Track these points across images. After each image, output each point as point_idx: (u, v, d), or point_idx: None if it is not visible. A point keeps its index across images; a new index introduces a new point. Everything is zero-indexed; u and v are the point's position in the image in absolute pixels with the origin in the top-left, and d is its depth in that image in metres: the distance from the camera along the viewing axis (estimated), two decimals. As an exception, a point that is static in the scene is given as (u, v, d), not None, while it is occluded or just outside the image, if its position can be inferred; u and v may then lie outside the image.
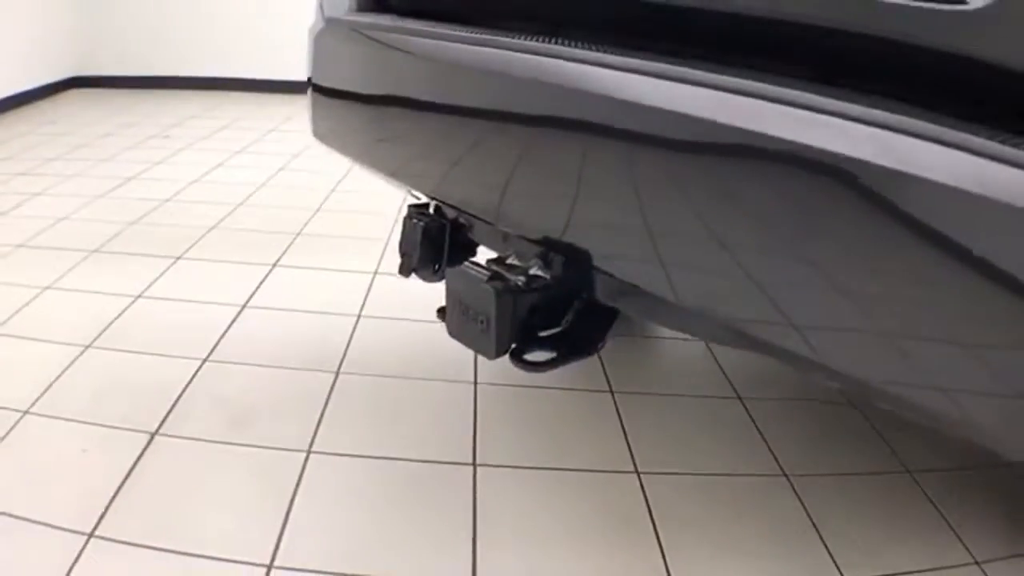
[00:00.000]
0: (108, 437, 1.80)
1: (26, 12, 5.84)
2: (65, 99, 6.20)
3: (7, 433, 1.79)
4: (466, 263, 1.16)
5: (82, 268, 2.78)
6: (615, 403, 2.04)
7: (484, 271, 1.10)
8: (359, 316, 2.47)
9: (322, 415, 1.94)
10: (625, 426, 1.95)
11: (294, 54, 6.47)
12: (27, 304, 2.46)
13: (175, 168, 4.23)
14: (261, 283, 2.69)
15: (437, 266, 1.42)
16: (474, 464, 1.79)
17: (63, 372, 2.05)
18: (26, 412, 1.87)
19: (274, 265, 2.87)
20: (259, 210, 3.54)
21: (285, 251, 3.01)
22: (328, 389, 2.05)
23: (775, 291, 0.81)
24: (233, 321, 2.40)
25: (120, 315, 2.40)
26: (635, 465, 1.80)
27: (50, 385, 1.99)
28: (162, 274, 2.73)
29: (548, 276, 1.07)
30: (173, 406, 1.93)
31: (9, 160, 4.30)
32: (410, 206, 1.49)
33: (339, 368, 2.15)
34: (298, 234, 3.22)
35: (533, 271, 1.08)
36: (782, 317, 0.80)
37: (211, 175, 4.12)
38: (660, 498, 1.69)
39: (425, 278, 1.47)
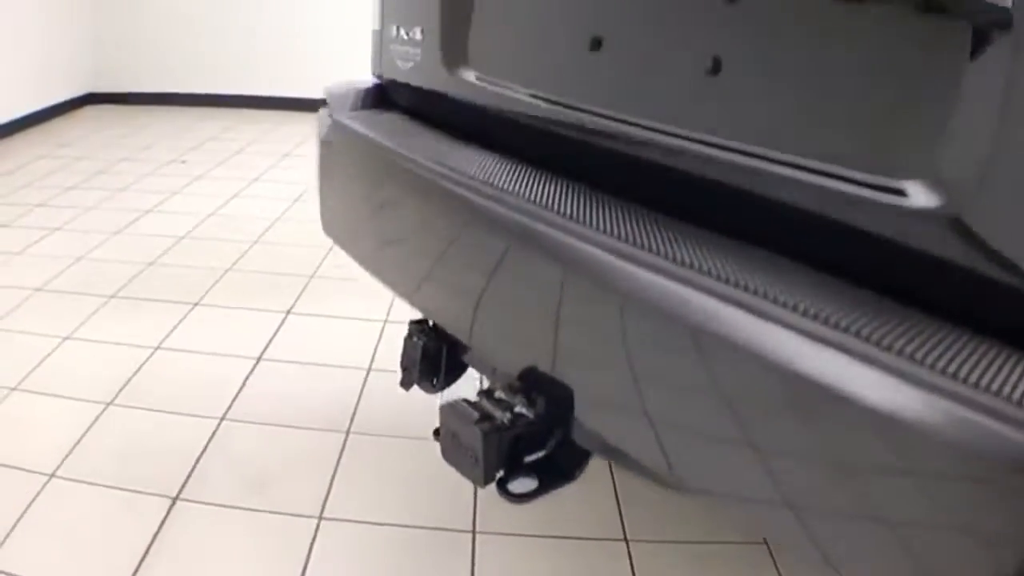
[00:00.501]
0: (132, 502, 1.92)
1: (41, 29, 6.00)
2: (82, 117, 6.35)
3: (35, 498, 1.91)
4: (457, 400, 1.26)
5: (101, 315, 2.90)
6: (610, 470, 2.15)
7: (473, 410, 1.21)
8: (369, 370, 2.59)
9: (333, 478, 2.06)
10: (618, 493, 2.06)
11: (307, 71, 6.68)
12: (48, 356, 2.59)
13: (191, 200, 4.36)
14: (275, 334, 2.81)
15: (435, 380, 1.54)
16: (473, 532, 1.90)
17: (86, 432, 2.17)
18: (52, 475, 1.99)
19: (288, 312, 2.99)
20: (273, 249, 3.67)
21: (298, 297, 3.13)
22: (339, 450, 2.17)
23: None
24: (248, 376, 2.52)
25: (139, 369, 2.52)
26: (624, 533, 1.92)
27: (74, 447, 2.11)
28: (179, 323, 2.86)
29: (531, 415, 1.18)
30: (192, 469, 2.05)
31: (28, 188, 4.45)
32: (411, 322, 1.59)
33: (349, 428, 2.27)
34: (311, 276, 3.34)
35: (518, 408, 1.18)
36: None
37: (227, 207, 4.25)
38: (646, 567, 1.81)
39: (426, 390, 1.59)
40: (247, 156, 5.37)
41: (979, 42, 0.77)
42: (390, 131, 1.61)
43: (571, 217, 1.10)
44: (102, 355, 2.62)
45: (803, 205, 0.95)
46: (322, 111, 1.81)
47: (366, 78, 1.91)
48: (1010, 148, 0.75)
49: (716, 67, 1.05)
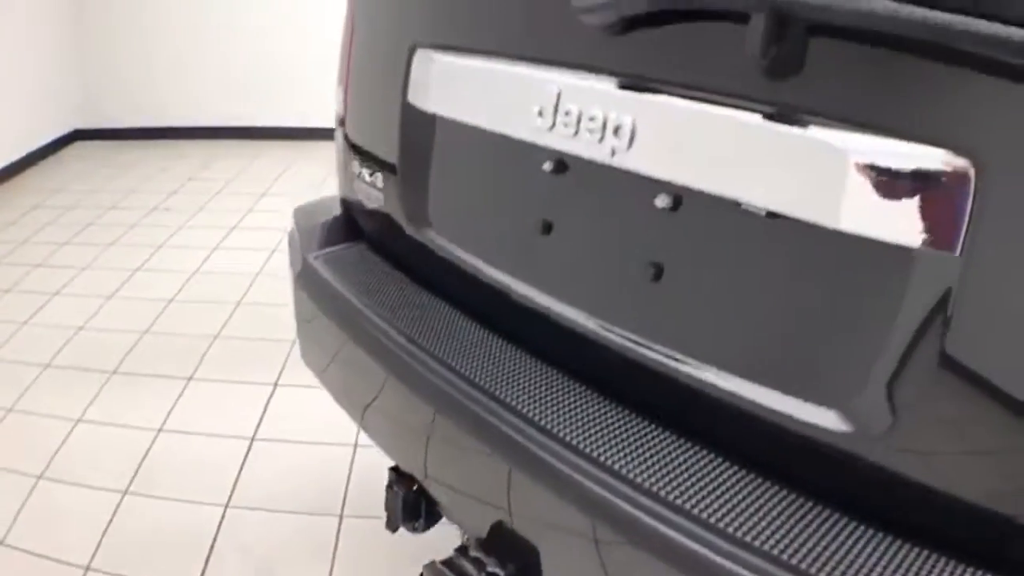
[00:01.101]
0: (158, 595, 2.36)
1: (25, 69, 6.30)
2: (69, 156, 6.73)
3: (74, 590, 2.35)
4: (436, 562, 1.46)
5: (105, 394, 3.30)
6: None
7: (449, 571, 1.41)
8: (355, 445, 3.00)
9: (332, 564, 2.46)
10: None
11: (283, 101, 7.06)
12: (65, 441, 3.00)
13: (175, 255, 4.74)
14: (264, 410, 3.23)
15: (417, 525, 1.76)
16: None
17: (110, 523, 2.60)
18: (87, 568, 2.42)
19: (275, 385, 3.41)
20: (256, 311, 4.08)
21: (283, 366, 3.55)
22: (335, 535, 2.56)
23: None
24: (245, 458, 2.94)
25: (147, 454, 2.94)
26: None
27: (102, 538, 2.53)
28: (176, 401, 3.27)
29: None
30: (207, 560, 2.47)
31: (25, 245, 4.84)
32: (390, 470, 1.81)
33: (342, 511, 2.67)
34: (292, 342, 3.74)
35: (491, 568, 1.34)
36: None
37: (210, 262, 4.64)
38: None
39: (411, 531, 1.80)
40: (226, 198, 5.75)
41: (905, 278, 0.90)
42: (355, 283, 1.71)
43: (512, 406, 1.24)
44: (112, 439, 3.02)
45: (722, 412, 1.07)
46: (293, 239, 1.94)
47: (333, 201, 2.05)
48: (921, 382, 0.88)
49: (656, 272, 1.19)
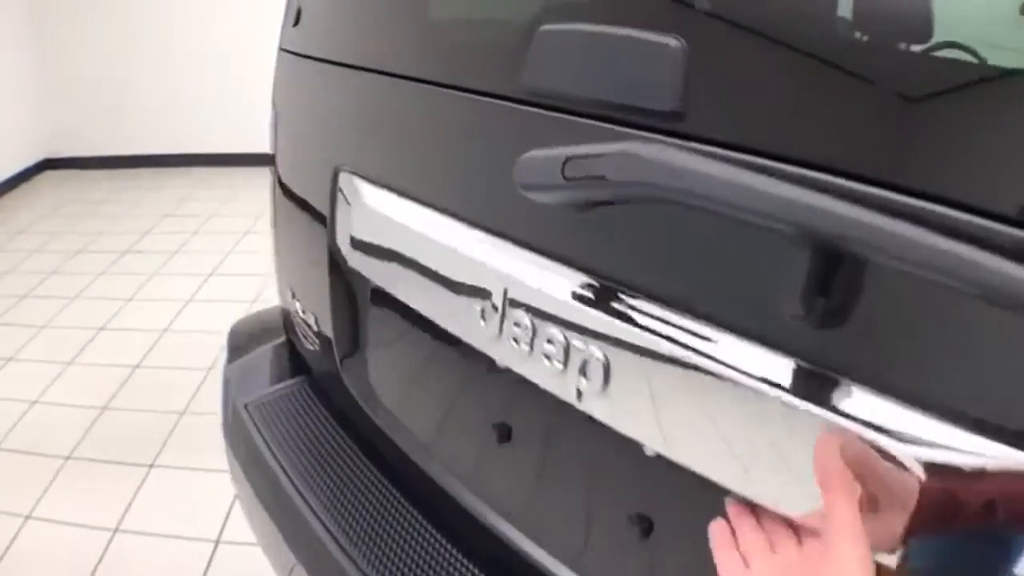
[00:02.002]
0: None
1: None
2: (37, 188, 6.53)
3: None
4: None
5: (59, 485, 3.08)
6: None
7: None
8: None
9: None
10: None
11: (264, 128, 6.85)
12: (13, 541, 2.78)
13: (145, 310, 4.53)
14: (231, 507, 3.01)
15: None
16: None
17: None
18: None
19: (243, 472, 3.19)
20: (229, 379, 3.86)
21: (254, 448, 3.33)
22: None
23: None
24: (209, 564, 2.73)
25: (102, 559, 2.72)
26: None
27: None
28: (136, 494, 3.05)
29: None
30: None
31: (-22, 299, 4.64)
32: None
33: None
34: (267, 418, 3.54)
35: None
36: None
37: (182, 318, 4.42)
38: None
39: None
40: (203, 239, 5.54)
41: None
42: (286, 456, 1.57)
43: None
44: (65, 540, 2.79)
45: None
46: (225, 375, 1.83)
47: (274, 315, 1.91)
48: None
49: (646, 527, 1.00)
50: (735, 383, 0.77)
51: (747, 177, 0.68)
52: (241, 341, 1.92)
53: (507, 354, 1.03)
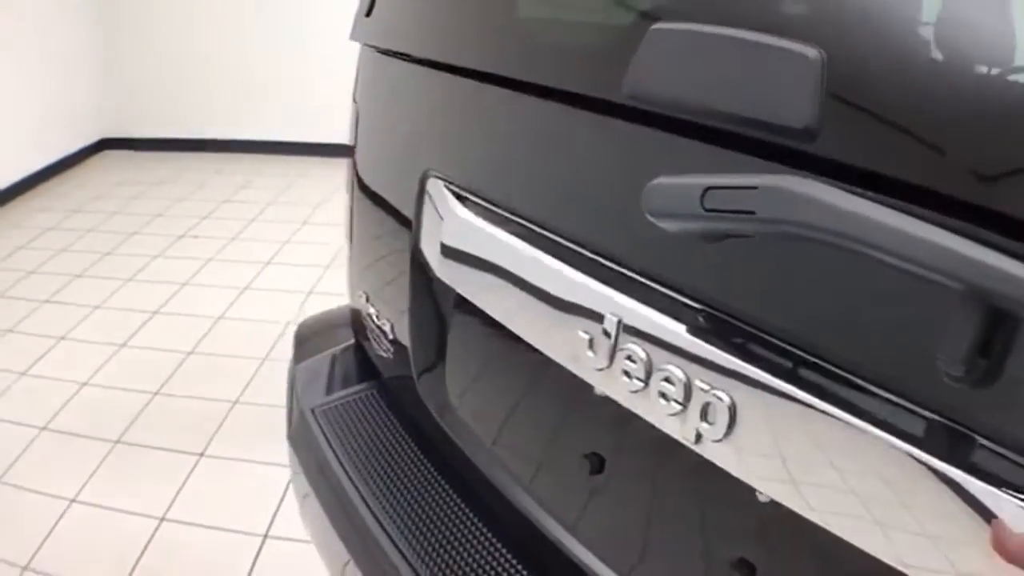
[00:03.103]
0: None
1: (51, 78, 6.25)
2: (94, 168, 6.61)
3: None
4: None
5: (106, 469, 3.09)
6: None
7: None
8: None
9: None
10: None
11: (327, 114, 6.89)
12: (56, 525, 2.79)
13: (199, 295, 4.55)
14: (281, 500, 3.00)
15: None
16: None
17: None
18: None
19: (295, 466, 3.17)
20: (282, 369, 3.85)
21: (307, 442, 3.32)
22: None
23: None
24: (255, 559, 2.71)
25: (147, 547, 2.71)
26: None
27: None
28: (184, 483, 3.05)
29: None
30: None
31: (36, 275, 4.70)
32: None
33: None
34: (321, 412, 3.53)
35: None
36: None
37: (236, 306, 4.44)
38: None
39: None
40: (262, 226, 5.56)
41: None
42: (355, 465, 1.55)
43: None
44: (109, 526, 2.80)
45: None
46: (292, 377, 1.81)
47: (343, 315, 1.89)
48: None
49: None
50: (871, 437, 0.72)
51: (913, 226, 0.62)
52: (308, 341, 1.90)
53: (616, 387, 0.97)
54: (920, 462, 0.67)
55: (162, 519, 2.86)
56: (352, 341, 1.85)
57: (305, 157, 6.97)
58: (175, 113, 7.09)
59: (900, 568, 0.70)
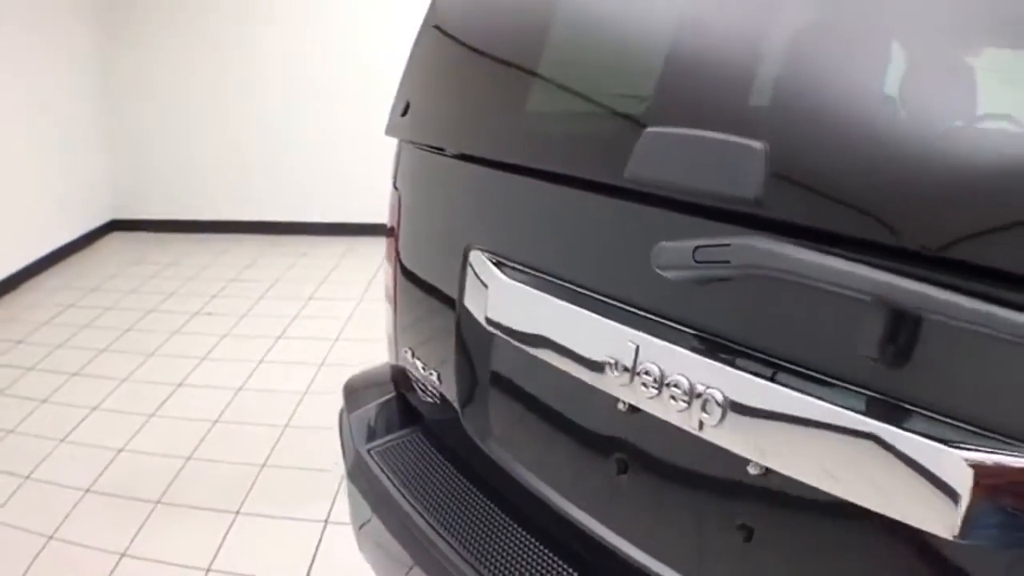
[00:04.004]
0: None
1: (61, 161, 6.60)
2: (106, 249, 6.96)
3: None
4: None
5: (151, 525, 3.36)
6: None
7: None
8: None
9: None
10: None
11: (327, 196, 7.30)
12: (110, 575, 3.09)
13: (219, 369, 4.86)
14: (316, 552, 3.29)
15: None
16: None
17: None
18: None
19: (325, 522, 3.47)
20: (304, 435, 4.16)
21: (334, 500, 3.61)
22: None
23: None
24: (295, 606, 3.00)
25: (195, 600, 3.01)
26: None
27: None
28: (224, 538, 3.33)
29: None
30: None
31: (61, 350, 4.99)
32: None
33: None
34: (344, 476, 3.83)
35: None
36: None
37: (254, 378, 4.75)
38: None
39: None
40: (271, 302, 5.90)
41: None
42: (414, 489, 1.85)
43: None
44: (158, 577, 3.10)
45: None
46: (344, 423, 2.12)
47: (384, 371, 2.22)
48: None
49: (747, 535, 1.24)
50: (824, 409, 1.06)
51: (833, 260, 0.99)
52: (356, 394, 2.22)
53: (636, 396, 1.31)
54: (857, 423, 1.02)
55: (207, 570, 3.15)
56: (393, 393, 2.19)
57: (305, 236, 7.34)
58: (181, 195, 7.45)
59: (853, 501, 1.03)
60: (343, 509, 3.43)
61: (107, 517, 3.42)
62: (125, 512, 3.45)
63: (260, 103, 7.35)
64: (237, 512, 3.50)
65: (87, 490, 3.60)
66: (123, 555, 3.19)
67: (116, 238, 7.32)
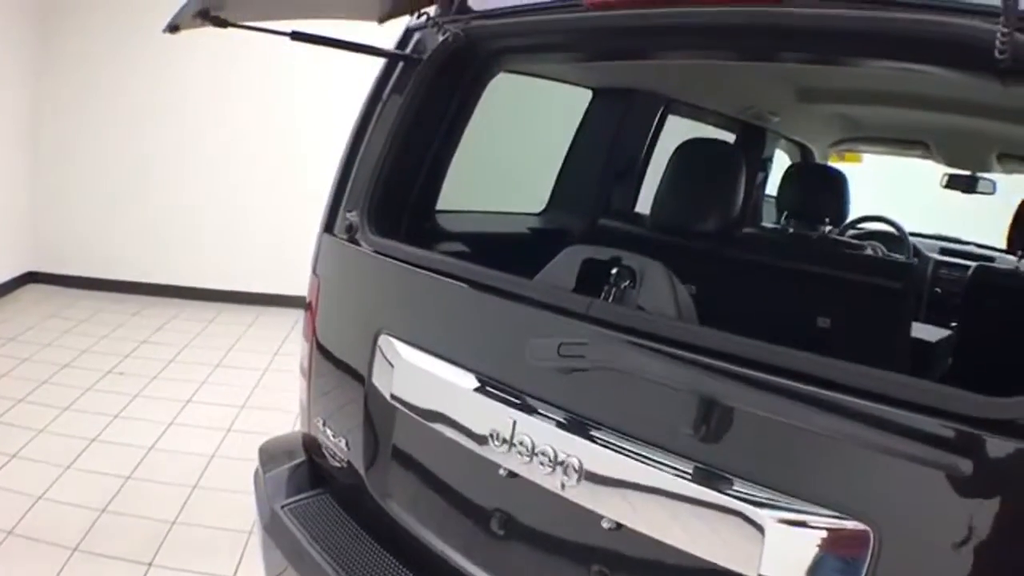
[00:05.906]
0: None
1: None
2: (22, 299, 7.21)
3: None
4: None
5: (70, 571, 3.67)
6: None
7: None
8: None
9: None
10: None
11: (248, 265, 7.68)
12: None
13: (131, 427, 5.11)
14: (222, 605, 3.66)
15: None
16: None
17: None
18: None
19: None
20: (213, 496, 4.52)
21: (241, 556, 3.98)
22: None
23: None
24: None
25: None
26: None
27: None
28: (138, 586, 3.69)
29: None
30: None
31: (-23, 398, 5.27)
32: None
33: None
34: (249, 532, 4.19)
35: None
36: None
37: (164, 439, 5.01)
38: None
39: None
40: (179, 367, 6.23)
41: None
42: (325, 543, 2.10)
43: None
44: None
45: None
46: (259, 482, 2.36)
47: (296, 439, 2.50)
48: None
49: None
50: (656, 476, 1.44)
51: (656, 358, 1.44)
52: (270, 458, 2.53)
53: (513, 461, 1.67)
54: (682, 487, 1.38)
55: (122, 615, 3.49)
56: (305, 457, 2.47)
57: (214, 303, 7.70)
58: (99, 253, 7.73)
59: (684, 549, 1.37)
60: (251, 564, 3.82)
61: (28, 560, 3.70)
62: (45, 556, 3.73)
63: (180, 172, 7.75)
64: (150, 564, 3.83)
65: (9, 532, 3.89)
66: (43, 597, 3.50)
67: (33, 289, 7.56)
